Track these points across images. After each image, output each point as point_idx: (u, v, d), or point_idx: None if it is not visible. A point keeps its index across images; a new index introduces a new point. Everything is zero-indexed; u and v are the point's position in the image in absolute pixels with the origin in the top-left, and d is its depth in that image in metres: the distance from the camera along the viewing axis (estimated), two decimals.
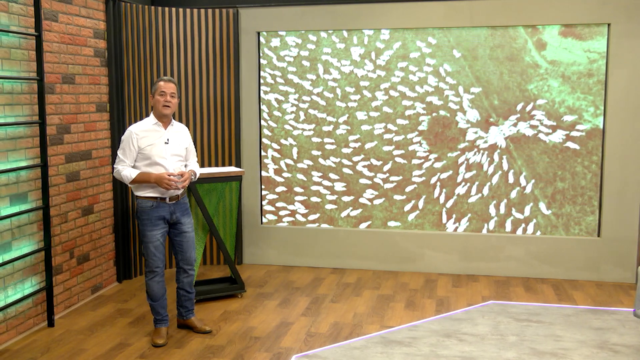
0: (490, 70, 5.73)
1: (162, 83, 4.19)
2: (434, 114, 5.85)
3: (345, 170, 6.06)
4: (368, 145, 6.00)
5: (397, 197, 6.00)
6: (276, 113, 6.11)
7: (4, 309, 4.13)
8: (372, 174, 6.02)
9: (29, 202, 4.42)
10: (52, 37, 4.68)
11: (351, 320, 4.71)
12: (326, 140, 6.07)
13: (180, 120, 5.91)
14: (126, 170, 4.14)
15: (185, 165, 4.38)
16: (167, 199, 4.22)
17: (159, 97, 4.18)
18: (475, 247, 5.84)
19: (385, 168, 5.98)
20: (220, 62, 6.03)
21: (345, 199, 6.09)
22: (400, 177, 5.97)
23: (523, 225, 5.80)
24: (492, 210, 5.85)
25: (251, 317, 4.79)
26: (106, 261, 5.46)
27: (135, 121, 5.66)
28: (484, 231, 5.86)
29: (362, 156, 6.02)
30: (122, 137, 4.20)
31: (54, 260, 4.74)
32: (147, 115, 5.74)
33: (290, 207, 6.20)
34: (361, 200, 6.06)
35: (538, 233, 5.79)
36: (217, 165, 6.13)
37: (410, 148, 5.94)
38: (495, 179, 5.82)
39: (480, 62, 5.73)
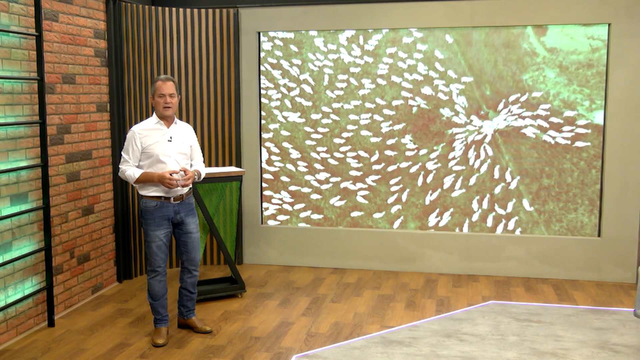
0: (485, 57, 5.63)
1: (159, 83, 4.18)
2: (422, 105, 5.78)
3: (331, 160, 6.02)
4: (353, 135, 5.95)
5: (381, 188, 5.97)
6: (263, 100, 6.09)
7: (4, 309, 4.13)
8: (358, 165, 5.98)
9: (29, 202, 4.42)
10: (53, 37, 4.68)
11: (351, 320, 4.71)
12: (309, 129, 6.04)
13: (180, 120, 5.91)
14: (130, 170, 4.15)
15: (191, 165, 4.38)
16: (172, 199, 4.22)
17: (158, 99, 4.18)
18: (476, 247, 5.84)
19: (372, 159, 5.94)
20: (220, 62, 6.02)
21: (331, 188, 6.06)
22: (386, 169, 5.94)
23: (504, 221, 5.79)
24: (475, 205, 5.83)
25: (251, 317, 4.79)
26: (106, 261, 5.45)
27: (136, 121, 5.66)
28: (465, 228, 5.86)
29: (350, 147, 5.99)
30: (126, 138, 4.21)
31: (54, 260, 4.74)
32: (148, 115, 5.75)
33: (277, 195, 6.18)
34: (346, 191, 6.04)
35: (518, 230, 5.78)
36: (217, 165, 6.13)
37: (396, 139, 5.88)
38: (480, 174, 5.77)
39: (474, 48, 5.65)
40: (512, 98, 5.64)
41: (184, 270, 4.43)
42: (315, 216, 6.14)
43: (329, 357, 4.02)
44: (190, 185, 4.35)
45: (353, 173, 6.02)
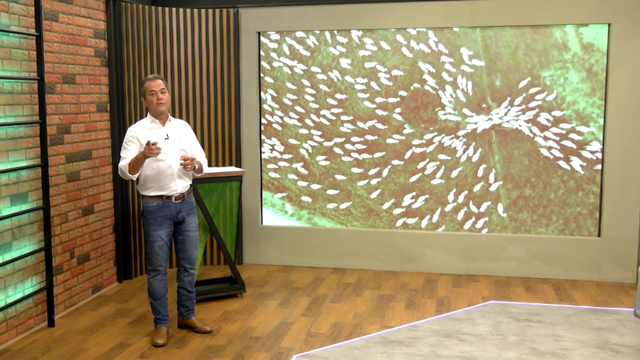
0: (505, 40, 5.17)
1: (149, 82, 4.18)
2: (424, 84, 5.65)
3: (323, 120, 5.96)
4: (346, 98, 5.90)
5: (365, 158, 5.94)
6: (263, 39, 6.04)
7: (4, 309, 4.13)
8: (347, 130, 5.94)
9: (29, 202, 4.42)
10: (53, 37, 4.68)
11: (351, 320, 4.71)
12: (306, 82, 6.00)
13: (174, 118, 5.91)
14: (122, 162, 4.12)
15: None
16: (173, 198, 4.22)
17: (150, 97, 4.18)
18: (476, 247, 5.84)
19: (360, 126, 5.90)
20: (220, 62, 6.02)
21: (318, 147, 6.03)
22: (373, 140, 5.90)
23: (474, 219, 5.78)
24: (450, 197, 5.81)
25: (251, 317, 4.79)
26: (106, 261, 5.46)
27: (136, 121, 5.66)
28: (436, 216, 5.86)
29: (342, 109, 5.94)
30: (124, 138, 4.21)
31: (54, 260, 4.74)
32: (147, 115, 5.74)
33: (268, 141, 6.14)
34: (332, 152, 6.02)
35: (484, 231, 5.78)
36: (217, 165, 6.13)
37: (388, 113, 5.82)
38: (464, 169, 5.73)
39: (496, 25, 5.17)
40: (522, 95, 5.42)
41: (181, 269, 4.43)
42: (302, 170, 6.10)
43: (329, 357, 4.02)
44: (190, 183, 4.35)
45: (342, 137, 5.98)
